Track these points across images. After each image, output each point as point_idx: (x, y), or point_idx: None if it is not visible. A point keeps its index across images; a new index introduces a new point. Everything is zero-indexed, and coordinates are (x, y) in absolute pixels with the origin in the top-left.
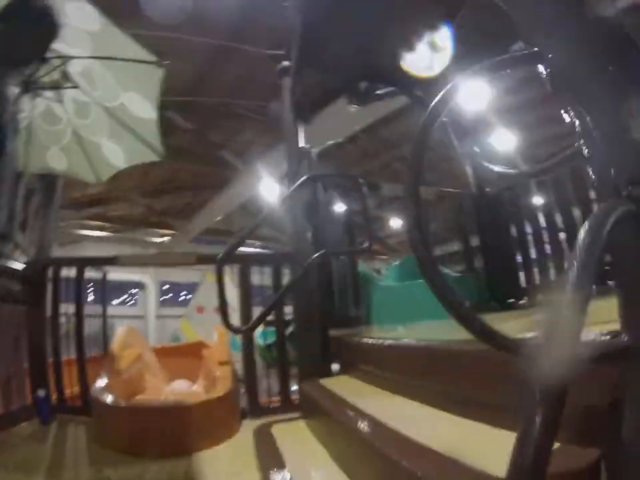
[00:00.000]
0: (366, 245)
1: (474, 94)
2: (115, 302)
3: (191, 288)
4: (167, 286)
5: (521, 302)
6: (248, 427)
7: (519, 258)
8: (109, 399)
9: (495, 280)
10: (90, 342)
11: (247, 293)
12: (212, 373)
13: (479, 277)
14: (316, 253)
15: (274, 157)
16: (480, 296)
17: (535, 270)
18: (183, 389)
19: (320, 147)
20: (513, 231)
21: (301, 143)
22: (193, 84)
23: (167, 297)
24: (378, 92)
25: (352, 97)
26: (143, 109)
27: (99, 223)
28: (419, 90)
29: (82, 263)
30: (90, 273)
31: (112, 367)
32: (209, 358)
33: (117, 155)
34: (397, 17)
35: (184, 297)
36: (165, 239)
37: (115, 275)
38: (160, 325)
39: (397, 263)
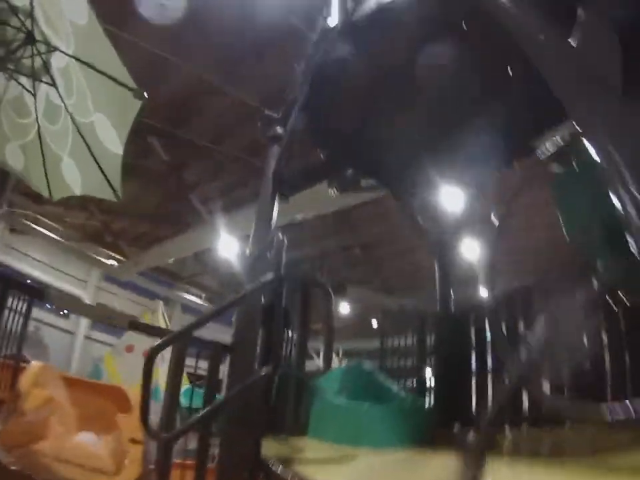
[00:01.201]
0: (320, 368)
1: None
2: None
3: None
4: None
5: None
6: None
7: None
8: None
9: (444, 407)
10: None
11: (177, 386)
12: (122, 447)
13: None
14: (262, 362)
15: (242, 214)
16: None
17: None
18: (88, 445)
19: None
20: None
21: (274, 217)
22: (179, 114)
23: None
24: (362, 183)
25: (335, 182)
26: (111, 138)
27: (53, 224)
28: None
29: (5, 285)
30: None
31: (17, 404)
32: (124, 426)
33: (74, 177)
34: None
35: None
36: (114, 263)
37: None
38: (86, 347)
39: (342, 368)
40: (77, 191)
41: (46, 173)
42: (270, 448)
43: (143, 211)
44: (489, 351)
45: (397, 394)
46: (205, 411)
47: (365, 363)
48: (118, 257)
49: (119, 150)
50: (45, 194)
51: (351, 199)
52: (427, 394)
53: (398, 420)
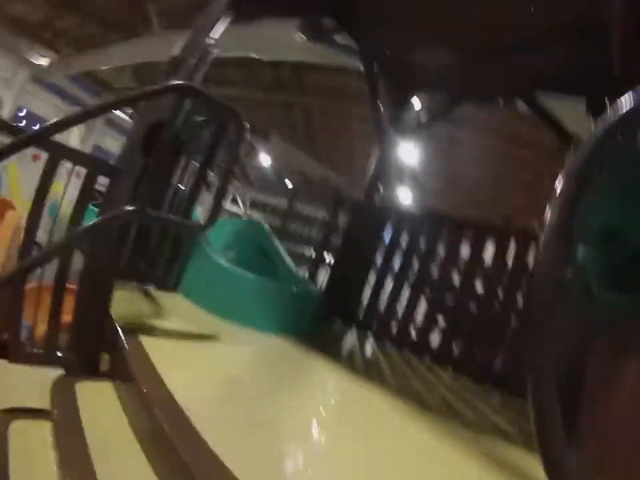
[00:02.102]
0: (199, 223)
1: None
2: None
3: None
4: (24, 112)
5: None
6: None
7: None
8: None
9: (339, 297)
10: None
11: (40, 204)
12: None
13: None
14: (131, 198)
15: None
16: (320, 311)
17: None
18: None
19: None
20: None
21: (214, 34)
22: None
23: (21, 125)
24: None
25: (307, 28)
26: None
27: None
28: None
29: None
30: None
31: None
32: None
33: None
34: None
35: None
36: (46, 62)
37: None
38: None
39: (237, 222)
40: None
41: None
42: (128, 304)
43: (96, 12)
44: (398, 256)
45: (290, 271)
46: (56, 242)
47: (264, 225)
48: (51, 56)
49: None
50: None
51: (313, 56)
52: (319, 274)
53: (283, 302)
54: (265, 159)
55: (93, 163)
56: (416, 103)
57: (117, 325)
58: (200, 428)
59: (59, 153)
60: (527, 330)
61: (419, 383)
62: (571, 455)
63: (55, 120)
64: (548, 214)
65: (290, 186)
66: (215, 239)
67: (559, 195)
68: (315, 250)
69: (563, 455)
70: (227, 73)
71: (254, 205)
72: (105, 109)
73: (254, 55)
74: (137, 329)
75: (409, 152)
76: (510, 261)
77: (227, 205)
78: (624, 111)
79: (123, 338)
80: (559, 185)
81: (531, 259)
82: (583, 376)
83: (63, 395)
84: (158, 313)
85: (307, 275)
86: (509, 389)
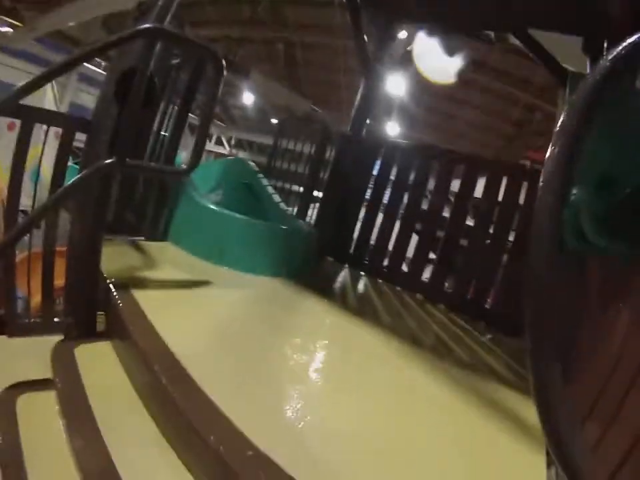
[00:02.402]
0: (184, 166)
1: None
2: None
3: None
4: None
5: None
6: None
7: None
8: None
9: (330, 234)
10: None
11: (19, 170)
12: None
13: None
14: (110, 149)
15: None
16: (311, 249)
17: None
18: None
19: None
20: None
21: None
22: None
23: None
24: None
25: None
26: None
27: None
28: None
29: None
30: None
31: None
32: None
33: None
34: None
35: None
36: (8, 30)
37: None
38: None
39: (221, 162)
40: None
41: None
42: (118, 259)
43: None
44: (387, 190)
45: (279, 208)
46: (40, 206)
47: (249, 162)
48: (15, 22)
49: None
50: None
51: None
52: (308, 211)
53: (274, 242)
54: (247, 98)
55: (68, 120)
56: (403, 33)
57: (108, 282)
58: (197, 379)
59: (31, 117)
60: (525, 279)
61: (412, 321)
62: (566, 402)
63: (20, 84)
64: (549, 150)
65: (274, 122)
66: (200, 181)
67: (561, 130)
68: (303, 186)
69: (559, 404)
70: (203, 13)
71: (239, 144)
72: (70, 64)
73: None
74: (128, 283)
75: (396, 84)
76: (501, 197)
77: (212, 145)
78: (631, 44)
79: (115, 295)
80: (561, 120)
81: (522, 195)
82: (578, 325)
83: (63, 362)
84: (148, 264)
85: (296, 211)
86: (501, 327)
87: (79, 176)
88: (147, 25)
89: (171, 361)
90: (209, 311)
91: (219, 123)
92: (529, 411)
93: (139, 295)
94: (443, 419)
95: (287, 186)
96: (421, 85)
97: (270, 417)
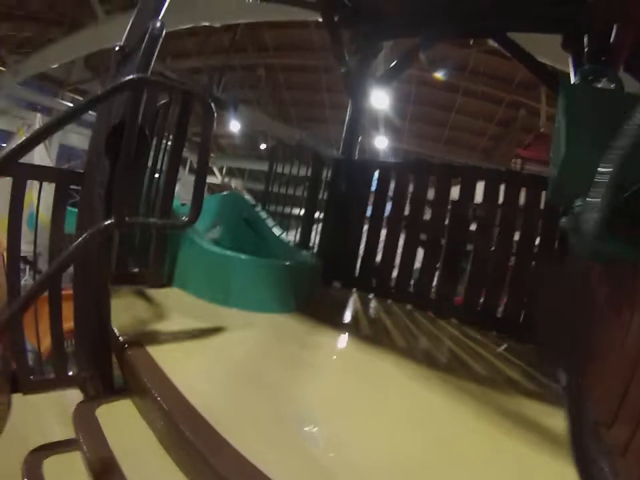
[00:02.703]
0: (185, 218)
1: None
2: None
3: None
4: None
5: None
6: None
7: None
8: None
9: (334, 259)
10: None
11: (16, 224)
12: None
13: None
14: (105, 208)
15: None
16: (317, 278)
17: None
18: None
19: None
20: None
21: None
22: None
23: None
24: None
25: None
26: None
27: None
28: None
29: None
30: None
31: None
32: None
33: None
34: None
35: None
36: None
37: None
38: None
39: (213, 200)
40: None
41: None
42: (125, 311)
43: (32, 14)
44: (386, 208)
45: (281, 242)
46: (42, 275)
47: (244, 195)
48: None
49: None
50: None
51: (270, 13)
52: (310, 235)
53: (279, 278)
54: (234, 125)
55: (60, 175)
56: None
57: (121, 339)
58: (223, 430)
59: (22, 174)
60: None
61: (425, 340)
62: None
63: (12, 147)
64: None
65: (263, 147)
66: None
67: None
68: (304, 209)
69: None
70: (183, 44)
71: (230, 172)
72: (56, 126)
73: (205, 23)
74: (141, 338)
75: (380, 99)
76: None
77: None
78: None
79: (129, 353)
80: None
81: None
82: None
83: (86, 424)
84: (157, 313)
85: (299, 236)
86: (513, 335)
87: (77, 241)
88: (131, 77)
89: (193, 415)
90: (223, 355)
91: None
92: (551, 420)
93: (153, 350)
94: (470, 440)
95: (287, 210)
96: (405, 97)
97: (298, 459)
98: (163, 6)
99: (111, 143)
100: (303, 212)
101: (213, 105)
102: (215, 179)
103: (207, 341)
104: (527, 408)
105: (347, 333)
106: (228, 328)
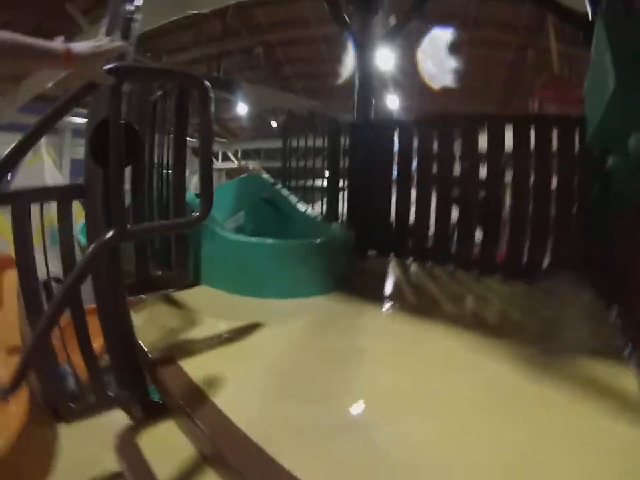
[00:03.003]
0: (196, 214)
1: None
2: None
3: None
4: None
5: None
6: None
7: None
8: None
9: (364, 227)
10: None
11: (23, 253)
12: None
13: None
14: (107, 218)
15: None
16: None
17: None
18: None
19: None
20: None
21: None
22: None
23: None
24: None
25: None
26: None
27: None
28: None
29: None
30: None
31: None
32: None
33: None
34: None
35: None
36: None
37: None
38: None
39: (231, 185)
40: None
41: None
42: (154, 322)
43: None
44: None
45: (307, 217)
46: (54, 300)
47: (262, 175)
48: None
49: None
50: None
51: None
52: (337, 206)
53: (314, 259)
54: (241, 108)
55: (59, 192)
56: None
57: (151, 357)
58: (268, 446)
59: (21, 200)
60: None
61: (475, 302)
62: None
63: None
64: None
65: (275, 125)
66: (216, 207)
67: None
68: (327, 180)
69: None
70: (177, 38)
71: (246, 154)
72: (37, 133)
73: (194, 11)
74: (172, 353)
75: (386, 58)
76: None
77: (220, 163)
78: None
79: (162, 371)
80: None
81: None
82: None
83: (130, 456)
84: (187, 319)
85: (325, 208)
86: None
87: (84, 258)
88: (107, 66)
89: (237, 435)
90: (262, 357)
91: (220, 140)
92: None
93: (185, 364)
94: (546, 419)
95: (309, 183)
96: (411, 55)
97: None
98: None
99: (96, 144)
100: (325, 183)
101: (207, 83)
102: (231, 164)
103: (244, 343)
104: (595, 367)
105: (391, 308)
106: (265, 323)
